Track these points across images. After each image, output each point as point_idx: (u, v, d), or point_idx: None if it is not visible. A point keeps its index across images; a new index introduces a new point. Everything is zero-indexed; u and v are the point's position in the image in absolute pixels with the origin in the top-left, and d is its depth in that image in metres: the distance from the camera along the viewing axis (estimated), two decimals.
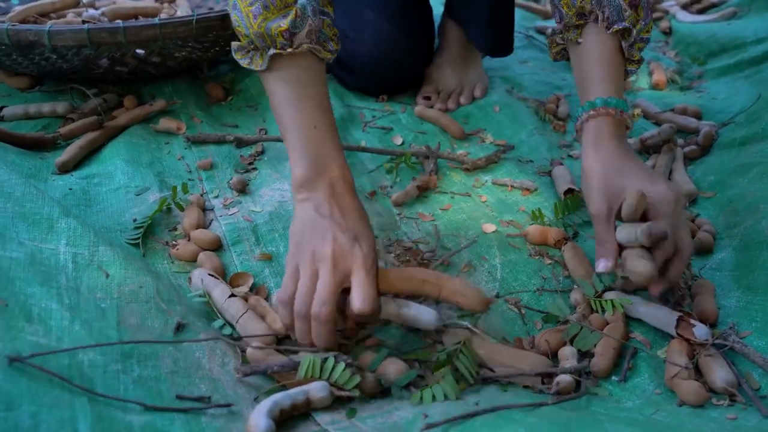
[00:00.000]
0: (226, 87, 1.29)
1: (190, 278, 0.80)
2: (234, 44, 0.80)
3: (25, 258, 0.70)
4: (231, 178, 1.01)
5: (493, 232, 0.93)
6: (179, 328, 0.70)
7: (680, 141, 1.17)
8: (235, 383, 0.66)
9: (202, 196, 0.98)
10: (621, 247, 0.76)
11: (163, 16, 1.36)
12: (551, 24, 1.76)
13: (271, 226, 0.91)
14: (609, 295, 0.78)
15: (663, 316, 0.74)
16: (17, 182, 0.85)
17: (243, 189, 1.00)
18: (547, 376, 0.70)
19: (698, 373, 0.70)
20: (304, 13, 0.76)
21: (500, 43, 1.29)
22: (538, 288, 0.84)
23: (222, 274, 0.83)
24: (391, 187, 1.04)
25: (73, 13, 1.31)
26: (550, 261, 0.88)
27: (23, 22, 1.24)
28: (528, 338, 0.77)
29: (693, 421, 0.62)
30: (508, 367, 0.70)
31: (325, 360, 0.66)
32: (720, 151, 1.12)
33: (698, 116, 1.26)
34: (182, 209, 0.91)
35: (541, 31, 1.71)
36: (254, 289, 0.82)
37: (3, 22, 1.09)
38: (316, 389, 0.63)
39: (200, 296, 0.76)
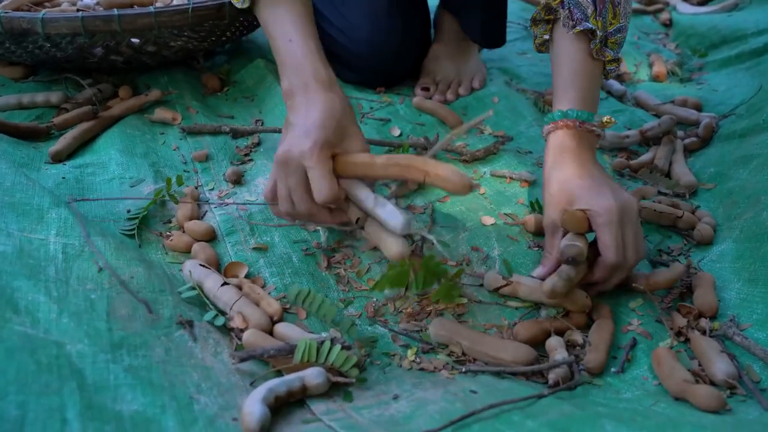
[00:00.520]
0: (222, 78, 1.28)
1: (182, 269, 0.79)
2: None
3: (13, 250, 0.69)
4: (226, 170, 1.00)
5: (492, 224, 0.92)
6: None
7: (680, 133, 1.16)
8: (229, 371, 0.65)
9: (197, 188, 0.96)
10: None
11: (158, 5, 1.35)
12: None
13: (266, 216, 0.90)
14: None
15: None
16: (7, 172, 0.84)
17: (238, 180, 0.99)
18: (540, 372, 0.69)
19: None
20: None
21: (493, 34, 1.28)
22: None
23: (216, 264, 0.82)
24: None
25: (67, 2, 1.29)
26: None
27: (17, 10, 1.22)
28: (506, 326, 0.76)
29: (693, 413, 0.61)
30: (491, 358, 0.70)
31: (321, 343, 0.65)
32: (720, 143, 1.11)
33: (698, 108, 1.25)
34: (176, 202, 0.90)
35: None
36: (249, 279, 0.81)
37: None
38: (313, 375, 0.63)
39: (192, 288, 0.75)
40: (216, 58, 1.36)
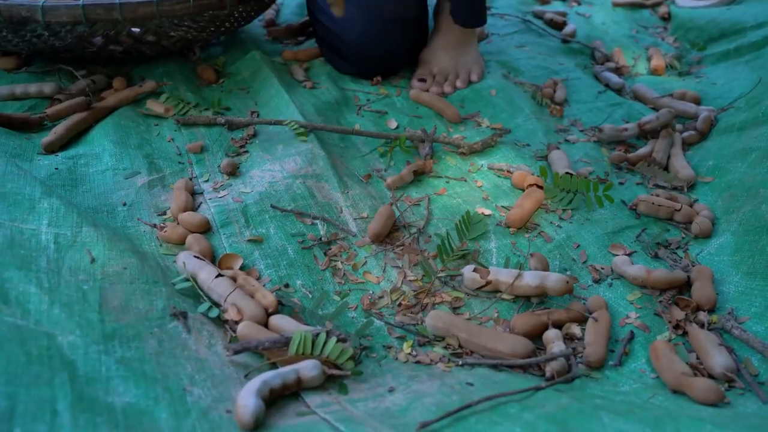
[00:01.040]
0: (217, 69, 1.27)
1: (176, 261, 0.78)
2: None
3: (4, 240, 0.68)
4: (221, 162, 0.99)
5: (488, 216, 0.92)
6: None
7: (679, 126, 1.15)
8: (223, 363, 0.64)
9: (191, 180, 0.95)
10: None
11: None
12: (548, 8, 1.74)
13: (261, 207, 0.89)
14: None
15: None
16: None
17: (233, 172, 0.98)
18: (537, 365, 0.69)
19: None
20: None
21: (473, 12, 1.25)
22: None
23: (210, 256, 0.81)
24: (386, 170, 1.02)
25: None
26: None
27: None
28: (501, 320, 0.75)
29: (691, 405, 0.61)
30: (488, 350, 0.69)
31: (316, 335, 0.65)
32: (719, 136, 1.10)
33: (697, 101, 1.24)
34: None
35: (538, 16, 1.69)
36: (244, 271, 0.80)
37: None
38: (308, 368, 0.62)
39: (186, 280, 0.74)
40: (211, 50, 1.35)
